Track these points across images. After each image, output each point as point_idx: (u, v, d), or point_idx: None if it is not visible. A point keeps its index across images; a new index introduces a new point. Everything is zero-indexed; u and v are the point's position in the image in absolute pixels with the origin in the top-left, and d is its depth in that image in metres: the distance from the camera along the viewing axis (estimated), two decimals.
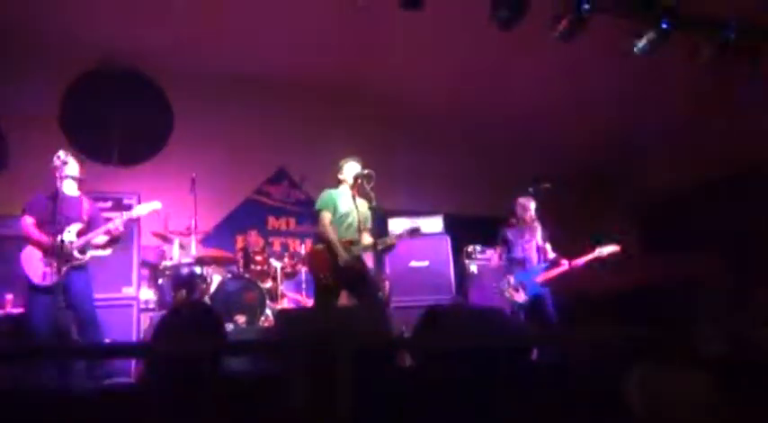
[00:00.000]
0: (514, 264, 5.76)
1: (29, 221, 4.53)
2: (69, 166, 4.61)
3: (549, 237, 5.84)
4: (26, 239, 4.50)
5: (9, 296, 5.18)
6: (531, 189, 5.93)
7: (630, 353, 3.23)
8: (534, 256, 5.76)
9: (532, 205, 5.90)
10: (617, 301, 6.70)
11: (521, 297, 5.60)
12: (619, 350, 3.34)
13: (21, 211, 4.62)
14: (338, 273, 4.67)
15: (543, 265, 5.71)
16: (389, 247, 4.96)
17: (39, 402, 2.51)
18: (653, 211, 7.96)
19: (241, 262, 6.55)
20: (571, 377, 3.28)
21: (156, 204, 4.98)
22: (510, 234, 5.87)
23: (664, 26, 5.56)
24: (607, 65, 6.61)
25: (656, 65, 6.10)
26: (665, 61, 5.97)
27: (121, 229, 4.69)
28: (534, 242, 5.77)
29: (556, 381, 3.27)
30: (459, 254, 6.92)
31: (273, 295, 6.33)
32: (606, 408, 2.97)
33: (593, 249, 5.62)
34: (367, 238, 4.80)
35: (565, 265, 5.63)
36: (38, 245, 4.44)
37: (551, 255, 5.75)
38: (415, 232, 5.02)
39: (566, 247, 5.85)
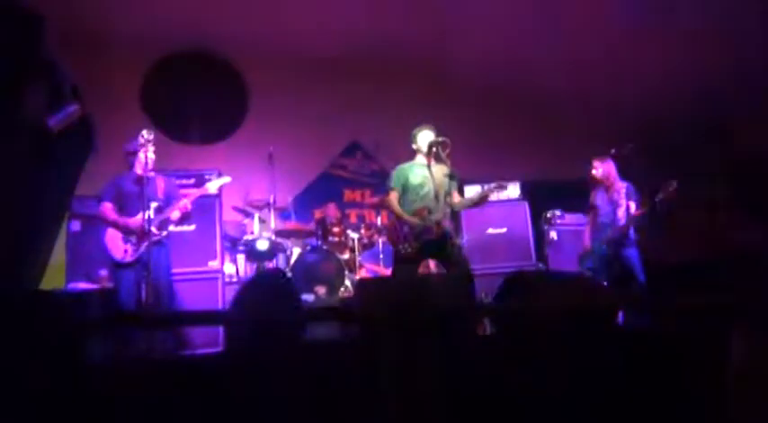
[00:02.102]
0: (603, 228, 5.55)
1: (108, 207, 4.74)
2: (151, 146, 4.77)
3: (634, 195, 5.56)
4: (107, 224, 4.70)
5: (104, 272, 5.46)
6: (613, 150, 5.69)
7: (726, 319, 3.08)
8: (615, 217, 5.52)
9: (600, 163, 5.67)
10: (708, 266, 6.39)
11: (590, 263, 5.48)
12: (715, 317, 3.19)
13: (98, 198, 4.83)
14: (417, 242, 4.65)
15: (618, 228, 5.47)
16: (475, 204, 4.97)
17: (128, 372, 2.61)
18: (749, 170, 7.48)
19: (319, 234, 6.63)
20: (658, 342, 3.16)
21: (226, 179, 5.11)
22: (598, 199, 5.67)
23: None
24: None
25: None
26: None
27: (189, 207, 4.81)
28: (618, 205, 5.53)
29: (642, 345, 3.16)
30: (537, 220, 6.76)
31: (351, 266, 6.39)
32: (696, 374, 2.86)
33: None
34: (446, 206, 4.72)
35: (630, 215, 5.40)
36: (118, 228, 4.63)
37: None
38: (500, 187, 4.95)
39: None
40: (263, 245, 6.20)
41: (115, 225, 4.66)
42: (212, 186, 5.03)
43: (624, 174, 5.71)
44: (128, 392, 2.50)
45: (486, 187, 4.95)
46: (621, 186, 5.55)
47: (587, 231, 5.74)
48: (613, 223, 5.47)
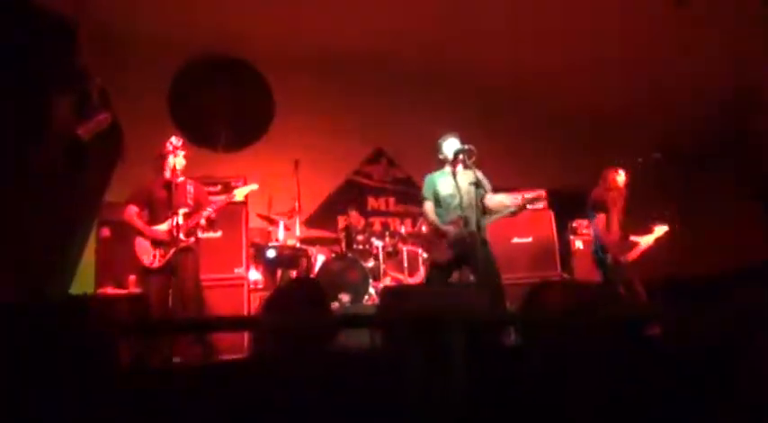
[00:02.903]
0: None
1: (132, 210, 4.79)
2: (180, 152, 4.82)
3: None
4: (129, 227, 4.76)
5: (132, 277, 5.52)
6: (640, 159, 5.64)
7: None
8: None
9: (622, 172, 5.63)
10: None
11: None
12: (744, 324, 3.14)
13: (126, 201, 4.89)
14: (451, 251, 4.65)
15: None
16: (514, 213, 4.97)
17: (156, 377, 2.64)
18: None
19: (343, 242, 6.64)
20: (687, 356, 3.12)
21: (253, 186, 5.15)
22: (609, 201, 5.58)
23: None
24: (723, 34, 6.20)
25: None
26: None
27: (213, 215, 4.85)
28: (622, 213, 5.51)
29: (671, 358, 3.12)
30: (563, 229, 6.71)
31: (376, 274, 6.39)
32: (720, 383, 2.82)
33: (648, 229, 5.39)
34: (476, 214, 4.69)
35: (640, 244, 5.42)
36: (142, 235, 4.68)
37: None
38: (535, 201, 4.94)
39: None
40: (287, 252, 6.24)
41: (138, 231, 4.71)
42: (240, 193, 5.07)
43: (646, 183, 5.67)
44: (156, 397, 2.53)
45: (523, 197, 4.93)
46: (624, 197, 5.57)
47: (602, 233, 5.55)
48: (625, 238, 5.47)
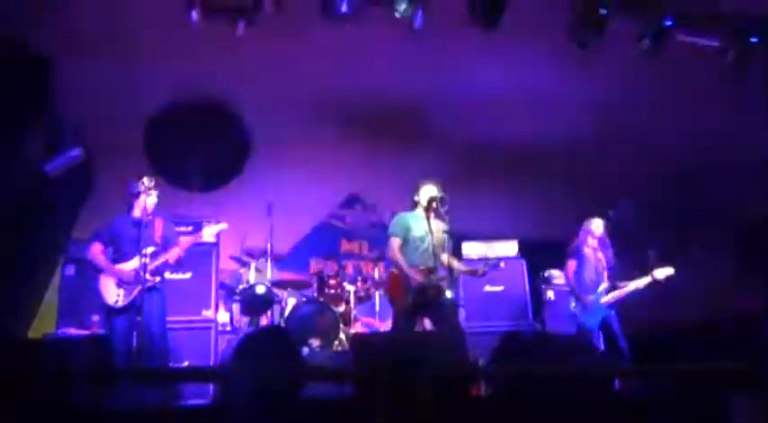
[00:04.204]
0: (584, 283, 5.53)
1: (97, 248, 4.71)
2: (153, 192, 4.76)
3: (610, 260, 5.62)
4: (95, 267, 4.67)
5: (95, 318, 5.39)
6: (611, 212, 5.72)
7: (725, 385, 3.04)
8: (604, 276, 5.53)
9: (599, 222, 5.70)
10: (709, 330, 6.33)
11: (587, 322, 5.40)
12: (710, 383, 3.14)
13: (91, 237, 4.80)
14: (415, 297, 4.61)
15: (605, 286, 5.48)
16: (473, 274, 5.01)
17: (118, 421, 2.56)
18: (753, 232, 7.42)
19: (315, 286, 6.58)
20: (656, 410, 3.12)
21: (222, 225, 5.08)
22: (585, 250, 5.65)
23: None
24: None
25: None
26: None
27: (182, 254, 4.78)
28: (604, 267, 5.56)
29: (640, 413, 3.11)
30: (535, 279, 6.74)
31: (347, 319, 6.32)
32: None
33: (647, 272, 5.38)
34: (444, 262, 4.71)
35: (626, 286, 5.41)
36: (106, 273, 4.59)
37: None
38: (498, 265, 5.02)
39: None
40: (258, 294, 6.15)
41: (102, 270, 4.61)
42: (208, 232, 4.99)
43: (618, 233, 5.75)
44: None
45: (485, 263, 5.00)
46: (608, 248, 5.63)
47: (573, 281, 5.59)
48: (602, 282, 5.49)
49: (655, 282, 5.36)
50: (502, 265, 5.13)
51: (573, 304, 5.56)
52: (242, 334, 5.36)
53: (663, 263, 5.41)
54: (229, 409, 2.47)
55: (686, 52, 6.01)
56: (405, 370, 2.38)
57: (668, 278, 5.36)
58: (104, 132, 6.82)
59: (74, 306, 5.57)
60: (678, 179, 7.49)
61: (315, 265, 7.83)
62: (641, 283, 5.39)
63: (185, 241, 4.82)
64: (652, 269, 5.36)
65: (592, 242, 5.63)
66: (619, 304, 5.44)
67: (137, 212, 4.72)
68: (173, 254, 4.70)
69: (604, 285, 5.46)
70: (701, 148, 7.11)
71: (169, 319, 4.85)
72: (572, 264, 5.61)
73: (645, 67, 6.12)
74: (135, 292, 4.51)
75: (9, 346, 2.86)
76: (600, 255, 5.61)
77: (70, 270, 5.72)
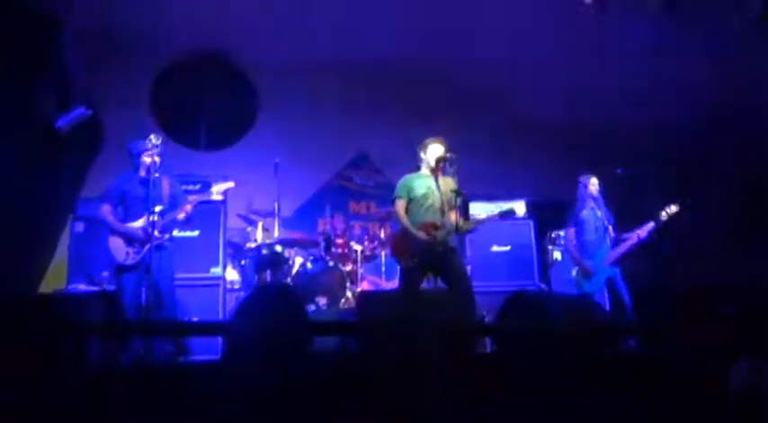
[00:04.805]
0: (586, 246, 5.54)
1: (106, 209, 4.74)
2: (158, 150, 4.76)
3: (612, 216, 5.60)
4: (106, 227, 4.70)
5: (105, 274, 5.45)
6: (619, 172, 5.68)
7: (728, 346, 3.06)
8: (607, 237, 5.52)
9: (595, 181, 5.67)
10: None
11: (589, 286, 5.43)
12: (714, 343, 3.17)
13: (100, 198, 4.82)
14: (421, 256, 4.63)
15: (608, 246, 5.47)
16: (473, 230, 4.91)
17: (128, 376, 2.60)
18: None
19: (322, 245, 6.61)
20: (657, 369, 3.15)
21: (229, 183, 5.09)
22: (584, 213, 5.64)
23: None
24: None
25: None
26: None
27: (190, 212, 4.79)
28: (605, 226, 5.54)
29: (642, 372, 3.15)
30: (542, 239, 6.74)
31: (353, 278, 6.37)
32: (693, 400, 2.84)
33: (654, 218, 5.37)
34: (451, 221, 4.70)
35: (631, 237, 5.40)
36: (117, 233, 4.62)
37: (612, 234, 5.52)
38: (509, 213, 4.94)
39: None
40: (265, 253, 6.20)
41: (113, 230, 4.65)
42: (216, 190, 5.01)
43: (631, 195, 5.71)
44: (126, 396, 2.50)
45: (494, 214, 4.95)
46: (604, 208, 5.61)
47: (573, 248, 5.64)
48: (603, 243, 5.46)
49: (658, 225, 5.33)
50: (511, 215, 5.02)
51: (574, 272, 5.59)
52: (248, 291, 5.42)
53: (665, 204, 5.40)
54: (235, 363, 2.52)
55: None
56: (409, 326, 2.41)
57: (673, 216, 5.32)
58: (112, 90, 6.80)
59: (83, 263, 5.64)
60: (691, 140, 7.43)
61: (322, 224, 7.87)
62: (644, 230, 5.37)
63: (193, 199, 4.84)
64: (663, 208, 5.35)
65: (589, 203, 5.62)
66: (622, 259, 5.44)
67: (143, 171, 4.73)
68: (181, 212, 4.72)
69: (607, 244, 5.46)
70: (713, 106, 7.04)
71: (177, 276, 4.90)
72: (571, 232, 5.65)
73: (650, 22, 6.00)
74: (144, 249, 4.55)
75: (21, 301, 2.90)
76: (599, 213, 5.58)
77: (80, 227, 5.78)
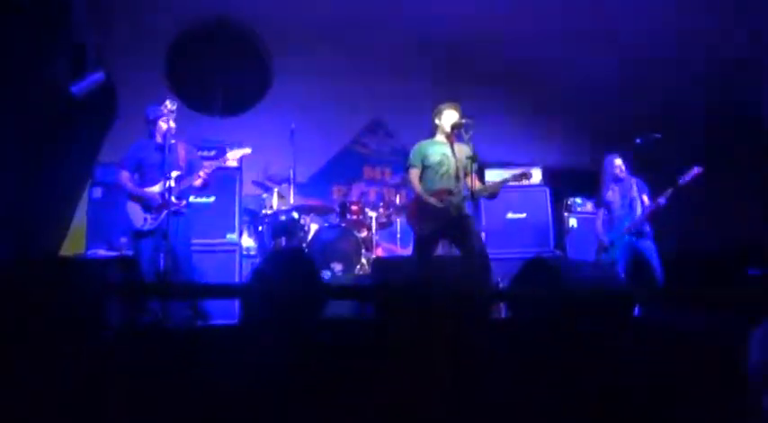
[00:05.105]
0: (615, 222, 5.53)
1: (125, 176, 4.74)
2: (174, 115, 4.76)
3: (645, 188, 5.53)
4: (126, 193, 4.72)
5: (123, 239, 5.51)
6: (638, 140, 5.60)
7: (748, 313, 3.04)
8: (636, 210, 5.48)
9: (618, 161, 5.62)
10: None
11: (606, 257, 5.47)
12: (732, 309, 3.15)
13: (119, 165, 4.83)
14: (435, 223, 4.62)
15: (636, 218, 5.43)
16: (493, 195, 4.86)
17: (146, 338, 2.64)
18: None
19: (337, 211, 6.63)
20: (675, 337, 3.14)
21: (246, 150, 5.07)
22: (606, 195, 5.62)
23: None
24: None
25: None
26: None
27: (210, 172, 4.78)
28: (633, 199, 5.49)
29: (657, 339, 3.14)
30: (558, 207, 6.70)
31: (368, 244, 6.39)
32: (710, 366, 2.84)
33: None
34: (467, 187, 4.67)
35: (652, 205, 5.35)
36: (136, 198, 4.65)
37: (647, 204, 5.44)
38: (522, 177, 4.85)
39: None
40: (281, 219, 6.22)
41: (133, 195, 4.68)
42: (232, 156, 5.00)
43: (647, 164, 5.64)
44: (144, 358, 2.54)
45: (507, 177, 4.86)
46: (633, 181, 5.52)
47: (599, 227, 5.68)
48: (630, 216, 5.44)
49: (679, 187, 5.27)
50: (526, 178, 4.92)
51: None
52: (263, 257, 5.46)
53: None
54: (251, 327, 2.54)
55: None
56: (424, 292, 2.42)
57: (695, 177, 5.25)
58: (126, 56, 6.79)
59: (102, 228, 5.69)
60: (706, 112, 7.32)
61: (337, 191, 7.87)
62: (664, 196, 5.30)
63: (209, 165, 4.84)
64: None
65: (613, 184, 5.59)
66: (647, 227, 5.41)
67: (159, 137, 4.73)
68: (197, 178, 4.74)
69: (636, 216, 5.42)
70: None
71: (194, 241, 4.93)
72: (600, 214, 5.71)
73: None
74: (162, 215, 4.58)
75: (43, 264, 2.93)
76: (630, 189, 5.53)
77: (97, 193, 5.82)
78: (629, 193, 5.53)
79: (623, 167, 5.62)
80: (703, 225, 6.71)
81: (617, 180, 5.61)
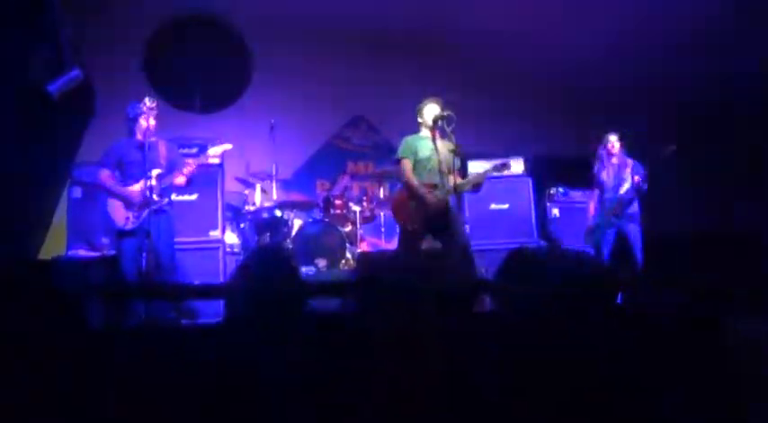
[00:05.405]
0: (607, 204, 5.55)
1: (106, 174, 4.67)
2: (154, 112, 4.70)
3: (641, 171, 5.49)
4: (106, 192, 4.66)
5: (105, 239, 5.45)
6: (626, 132, 5.64)
7: (725, 300, 3.07)
8: (629, 192, 5.49)
9: (614, 138, 5.63)
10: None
11: (591, 240, 5.53)
12: (711, 296, 3.18)
13: (98, 164, 4.77)
14: (423, 218, 4.64)
15: (625, 200, 5.46)
16: (476, 188, 4.87)
17: (129, 339, 2.62)
18: None
19: (321, 206, 6.61)
20: (656, 323, 3.16)
21: (226, 146, 5.03)
22: (600, 174, 5.64)
23: None
24: None
25: None
26: None
27: (193, 170, 4.75)
28: (623, 180, 5.51)
29: (642, 327, 3.16)
30: (540, 196, 6.73)
31: (353, 239, 6.38)
32: (693, 355, 2.86)
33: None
34: (450, 182, 4.70)
35: (630, 187, 5.39)
36: (117, 197, 4.60)
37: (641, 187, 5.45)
38: (503, 167, 4.89)
39: None
40: (264, 216, 6.19)
41: (113, 194, 4.62)
42: (212, 152, 4.96)
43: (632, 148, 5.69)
44: (127, 359, 2.51)
45: (487, 168, 4.90)
46: (629, 163, 5.53)
47: (591, 208, 5.72)
48: (617, 196, 5.46)
49: (651, 170, 5.29)
50: (506, 168, 4.97)
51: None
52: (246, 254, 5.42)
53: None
54: (233, 324, 2.53)
55: None
56: (409, 285, 2.41)
57: (665, 160, 5.29)
58: (103, 53, 6.71)
59: (82, 228, 5.62)
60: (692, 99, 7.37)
61: (321, 185, 7.85)
62: (639, 176, 5.34)
63: (192, 163, 4.80)
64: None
65: (607, 162, 5.61)
66: (633, 209, 5.45)
67: (140, 135, 4.68)
68: (179, 175, 4.70)
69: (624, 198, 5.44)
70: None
71: (177, 239, 4.89)
72: (594, 195, 5.73)
73: None
74: (144, 214, 4.53)
75: (23, 266, 2.89)
76: (622, 171, 5.54)
77: (77, 192, 5.74)
78: (621, 173, 5.54)
79: (617, 146, 5.61)
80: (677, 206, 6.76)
81: (610, 159, 5.61)
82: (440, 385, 2.36)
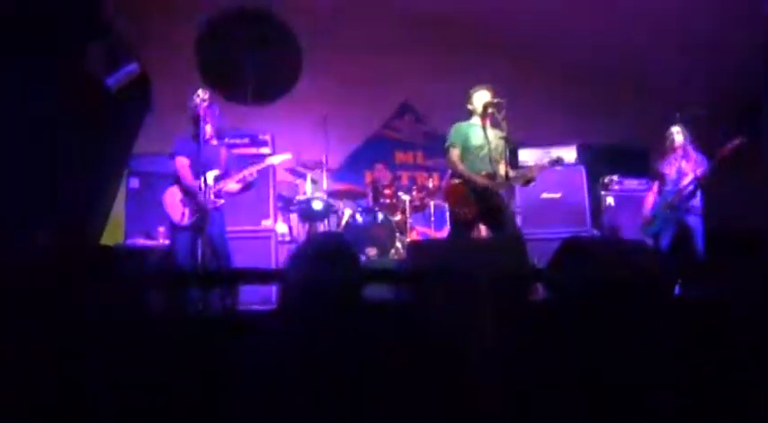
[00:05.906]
0: (666, 196, 5.40)
1: (184, 163, 4.74)
2: (208, 106, 4.71)
3: (705, 164, 5.30)
4: (178, 180, 4.72)
5: (161, 229, 5.59)
6: (678, 115, 5.46)
7: None
8: (688, 185, 5.33)
9: (676, 131, 5.46)
10: None
11: (649, 231, 5.40)
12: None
13: (171, 153, 4.82)
14: (476, 206, 4.60)
15: (685, 192, 5.30)
16: (528, 182, 4.81)
17: (186, 326, 2.67)
18: None
19: (370, 196, 6.63)
20: (717, 314, 3.08)
21: (286, 155, 5.21)
22: (663, 167, 5.49)
23: None
24: None
25: None
26: None
27: (255, 176, 4.84)
28: (684, 173, 5.34)
29: (700, 319, 3.08)
30: (594, 185, 6.60)
31: (402, 228, 6.39)
32: (755, 346, 2.77)
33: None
34: (501, 170, 4.65)
35: (691, 180, 5.23)
36: (184, 188, 4.68)
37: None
38: (557, 162, 4.83)
39: None
40: (316, 205, 6.25)
41: (184, 185, 4.69)
42: (273, 161, 5.13)
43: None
44: (186, 346, 2.57)
45: (541, 162, 4.85)
46: (693, 156, 5.36)
47: (649, 199, 5.56)
48: (677, 188, 5.32)
49: (715, 164, 5.13)
50: (559, 163, 4.92)
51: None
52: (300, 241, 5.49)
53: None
54: (288, 311, 2.56)
55: None
56: (462, 274, 2.40)
57: (731, 154, 5.10)
58: (158, 47, 6.85)
59: (140, 217, 5.78)
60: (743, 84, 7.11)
61: (369, 175, 7.88)
62: (701, 170, 5.19)
63: (252, 169, 4.83)
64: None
65: (670, 154, 5.46)
66: (694, 202, 5.30)
67: (201, 135, 4.70)
68: (234, 183, 4.78)
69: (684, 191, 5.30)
70: None
71: (230, 228, 4.98)
72: (654, 187, 5.59)
73: None
74: (199, 212, 4.61)
75: (85, 253, 2.98)
76: (684, 164, 5.39)
77: (135, 183, 5.90)
78: (684, 166, 5.37)
79: (678, 138, 5.43)
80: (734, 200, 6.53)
81: (674, 151, 5.48)
82: (497, 372, 2.35)
